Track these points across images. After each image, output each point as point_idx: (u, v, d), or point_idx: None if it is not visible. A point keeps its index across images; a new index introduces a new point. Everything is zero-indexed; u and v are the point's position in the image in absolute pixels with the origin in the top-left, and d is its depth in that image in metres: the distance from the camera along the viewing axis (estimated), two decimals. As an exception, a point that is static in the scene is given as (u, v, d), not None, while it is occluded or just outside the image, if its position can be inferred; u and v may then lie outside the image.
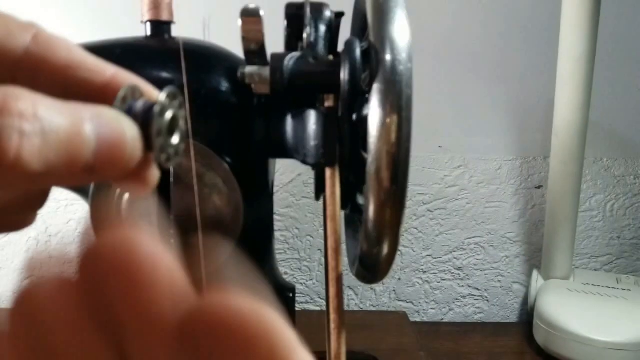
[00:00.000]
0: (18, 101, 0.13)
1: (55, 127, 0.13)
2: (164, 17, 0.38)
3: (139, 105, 0.16)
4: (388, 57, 0.30)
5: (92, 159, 0.14)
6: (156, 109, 0.16)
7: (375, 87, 0.30)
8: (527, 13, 0.69)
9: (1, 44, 0.16)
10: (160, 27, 0.38)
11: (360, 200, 0.38)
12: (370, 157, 0.30)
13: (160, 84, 0.17)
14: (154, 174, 0.17)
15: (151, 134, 0.16)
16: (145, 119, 0.16)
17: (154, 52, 0.39)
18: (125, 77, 0.17)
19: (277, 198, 0.70)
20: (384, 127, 0.29)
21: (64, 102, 0.14)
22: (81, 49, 0.17)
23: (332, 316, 0.35)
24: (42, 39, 0.16)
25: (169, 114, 0.16)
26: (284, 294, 0.42)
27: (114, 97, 0.16)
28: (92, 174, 0.14)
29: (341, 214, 0.36)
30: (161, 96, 0.16)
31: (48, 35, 0.16)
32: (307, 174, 0.70)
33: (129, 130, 0.15)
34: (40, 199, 0.18)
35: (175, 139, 0.17)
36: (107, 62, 0.17)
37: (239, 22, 0.31)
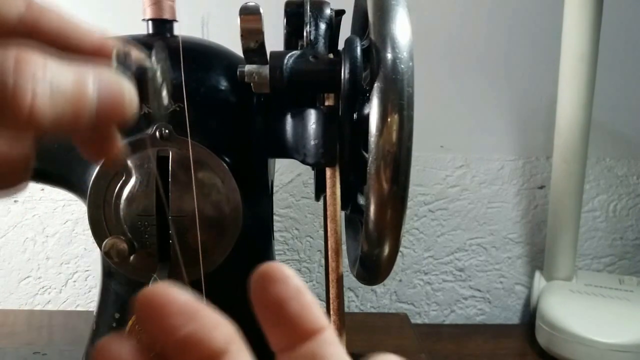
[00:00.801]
0: (30, 61, 0.15)
1: (63, 85, 0.15)
2: (166, 15, 0.37)
3: (133, 66, 0.18)
4: (389, 55, 0.29)
5: (94, 112, 0.16)
6: (149, 69, 0.18)
7: (376, 86, 0.29)
8: (529, 12, 0.68)
9: None
10: (162, 25, 0.38)
11: (361, 200, 0.38)
12: (371, 156, 0.30)
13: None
14: (120, 148, 0.20)
15: (147, 92, 0.18)
16: (140, 78, 0.18)
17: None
18: (114, 42, 0.18)
19: (276, 198, 0.70)
20: (384, 126, 0.29)
21: (69, 62, 0.16)
22: (71, 17, 0.18)
23: (333, 317, 0.34)
24: (35, 7, 0.18)
25: (159, 74, 0.18)
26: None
27: (104, 60, 0.17)
28: (95, 126, 0.17)
29: (341, 215, 0.36)
30: (152, 58, 0.18)
31: (40, 3, 0.18)
32: (307, 174, 0.70)
33: (126, 88, 0.17)
34: (28, 164, 0.20)
35: (164, 96, 0.19)
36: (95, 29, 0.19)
37: (238, 20, 0.31)
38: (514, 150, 0.72)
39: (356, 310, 0.74)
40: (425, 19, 0.68)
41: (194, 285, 0.35)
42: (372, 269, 0.34)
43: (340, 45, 0.34)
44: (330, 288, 0.35)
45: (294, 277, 0.17)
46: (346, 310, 0.64)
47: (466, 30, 0.69)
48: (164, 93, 0.19)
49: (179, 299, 0.15)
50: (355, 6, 0.40)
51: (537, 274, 0.70)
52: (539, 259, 0.74)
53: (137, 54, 0.19)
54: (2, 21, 0.17)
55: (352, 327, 0.50)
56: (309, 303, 0.17)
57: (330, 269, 0.34)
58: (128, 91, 0.17)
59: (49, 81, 0.15)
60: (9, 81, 0.14)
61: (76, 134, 0.17)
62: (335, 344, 0.17)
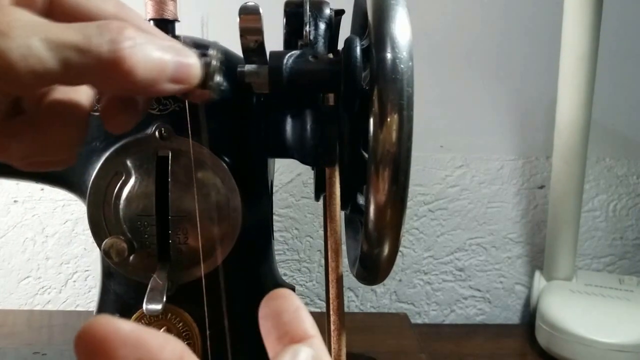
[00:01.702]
0: (129, 29, 0.20)
1: (150, 51, 0.20)
2: (168, 15, 0.37)
3: (197, 54, 0.24)
4: (389, 55, 0.29)
5: (171, 73, 0.22)
6: (209, 56, 0.25)
7: (376, 86, 0.29)
8: (529, 11, 0.68)
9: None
10: (164, 25, 0.38)
11: (361, 200, 0.38)
12: (371, 156, 0.30)
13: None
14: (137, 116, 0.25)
15: (208, 72, 0.24)
16: (204, 63, 0.24)
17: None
18: (180, 38, 0.26)
19: (276, 198, 0.70)
20: (384, 126, 0.29)
21: (152, 36, 0.21)
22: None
23: (333, 318, 0.34)
24: (123, 8, 0.24)
25: (216, 62, 0.25)
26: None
27: None
28: (172, 85, 0.22)
29: (341, 214, 0.36)
30: (211, 50, 0.25)
31: (127, 6, 0.24)
32: (307, 173, 0.70)
33: (193, 60, 0.23)
34: (79, 140, 0.24)
35: (219, 78, 0.25)
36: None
37: (238, 19, 0.31)
38: (514, 150, 0.72)
39: (356, 310, 0.74)
40: (425, 19, 0.68)
41: (194, 285, 0.35)
42: (372, 269, 0.34)
43: (340, 45, 0.34)
44: (330, 288, 0.34)
45: (296, 298, 0.20)
46: (346, 310, 0.64)
47: (466, 30, 0.69)
48: (219, 78, 0.25)
49: (120, 330, 0.15)
50: (355, 6, 0.40)
51: (537, 274, 0.70)
52: (538, 258, 0.74)
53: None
54: (100, 14, 0.23)
55: (352, 327, 0.50)
56: (303, 316, 0.19)
57: (330, 269, 0.34)
58: (194, 62, 0.23)
59: (143, 44, 0.20)
60: (114, 38, 0.19)
61: (158, 92, 0.22)
62: (321, 349, 0.19)
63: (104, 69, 0.19)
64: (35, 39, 0.19)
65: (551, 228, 0.68)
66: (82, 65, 0.19)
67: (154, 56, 0.21)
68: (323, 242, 0.37)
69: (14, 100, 0.23)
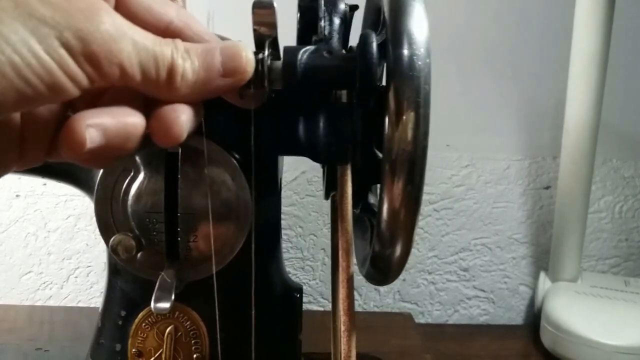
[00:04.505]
0: (182, 44, 0.24)
1: (194, 53, 0.25)
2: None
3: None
4: (406, 52, 0.29)
5: (220, 67, 0.25)
6: (265, 55, 0.28)
7: (392, 83, 0.29)
8: (539, 10, 0.68)
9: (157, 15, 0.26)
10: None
11: (372, 199, 0.37)
12: (385, 155, 0.29)
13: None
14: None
15: (263, 67, 0.28)
16: (258, 59, 0.27)
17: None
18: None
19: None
20: (400, 124, 0.28)
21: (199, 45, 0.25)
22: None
23: (343, 318, 0.34)
24: (183, 14, 0.27)
25: (267, 65, 0.28)
26: (291, 294, 0.41)
27: None
28: (225, 80, 0.25)
29: (351, 214, 0.35)
30: (266, 51, 0.28)
31: (186, 13, 0.28)
32: (312, 171, 0.70)
33: (239, 50, 0.26)
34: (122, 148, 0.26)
35: (272, 74, 0.28)
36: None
37: (251, 14, 0.30)
38: (520, 150, 0.72)
39: (359, 310, 0.74)
40: (433, 17, 0.67)
41: (202, 283, 0.35)
42: (384, 270, 0.33)
43: (352, 41, 0.33)
44: (340, 288, 0.34)
45: None
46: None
47: (474, 28, 0.68)
48: (272, 74, 0.28)
49: None
50: (368, 1, 0.40)
51: (542, 275, 0.70)
52: (543, 259, 0.73)
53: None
54: (163, 17, 0.26)
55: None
56: None
57: (340, 269, 0.34)
58: (240, 52, 0.26)
59: (188, 52, 0.24)
60: (175, 57, 0.23)
61: (212, 91, 0.25)
62: None
63: (165, 74, 0.23)
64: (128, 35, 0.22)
65: (557, 229, 0.67)
66: (152, 69, 0.23)
67: (199, 57, 0.24)
68: (328, 241, 0.37)
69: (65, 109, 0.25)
